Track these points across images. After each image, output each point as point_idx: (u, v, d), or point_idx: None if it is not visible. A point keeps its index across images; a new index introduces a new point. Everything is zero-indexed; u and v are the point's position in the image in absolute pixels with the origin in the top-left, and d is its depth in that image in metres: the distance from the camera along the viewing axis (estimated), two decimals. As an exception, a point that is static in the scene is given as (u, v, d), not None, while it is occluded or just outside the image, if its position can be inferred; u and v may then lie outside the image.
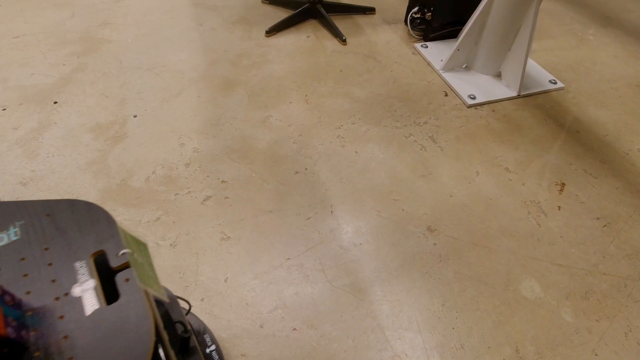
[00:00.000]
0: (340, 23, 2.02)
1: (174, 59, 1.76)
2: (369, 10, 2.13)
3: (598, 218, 1.25)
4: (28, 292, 0.44)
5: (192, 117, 1.50)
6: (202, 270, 1.08)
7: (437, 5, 1.80)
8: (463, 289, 1.07)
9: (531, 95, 1.68)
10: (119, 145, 1.39)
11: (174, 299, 0.69)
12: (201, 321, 0.88)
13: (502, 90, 1.68)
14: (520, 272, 1.11)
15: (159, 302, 0.65)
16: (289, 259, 1.11)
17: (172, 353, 0.54)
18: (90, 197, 1.24)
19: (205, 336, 0.82)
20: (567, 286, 1.09)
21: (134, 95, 1.58)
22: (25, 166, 1.30)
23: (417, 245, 1.15)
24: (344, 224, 1.20)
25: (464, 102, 1.62)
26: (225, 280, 1.06)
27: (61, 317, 0.42)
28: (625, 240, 1.19)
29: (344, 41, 1.90)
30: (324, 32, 1.97)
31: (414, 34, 1.95)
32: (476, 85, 1.68)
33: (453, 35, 1.92)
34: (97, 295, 0.44)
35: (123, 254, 0.47)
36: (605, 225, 1.23)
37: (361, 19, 2.08)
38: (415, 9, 1.86)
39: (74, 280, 0.45)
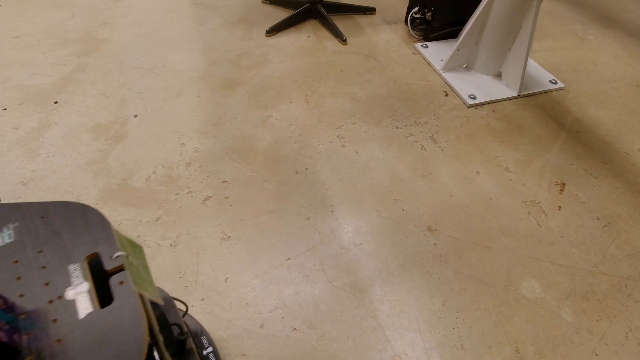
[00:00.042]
0: (341, 23, 2.02)
1: (175, 59, 1.76)
2: (369, 10, 2.12)
3: (598, 218, 1.24)
4: (21, 295, 0.44)
5: (192, 117, 1.50)
6: (203, 270, 1.08)
7: (438, 5, 1.80)
8: (463, 289, 1.07)
9: (531, 95, 1.67)
10: (119, 145, 1.39)
11: (170, 300, 0.69)
12: (199, 323, 0.88)
13: (502, 90, 1.67)
14: (521, 272, 1.11)
15: (155, 305, 0.65)
16: (289, 258, 1.11)
17: (167, 355, 0.53)
18: (91, 196, 1.24)
19: (202, 338, 0.82)
20: (568, 286, 1.08)
21: (135, 95, 1.58)
22: (25, 166, 1.30)
23: (417, 245, 1.15)
24: (344, 224, 1.19)
25: (465, 102, 1.61)
26: (226, 280, 1.06)
27: (54, 320, 0.42)
28: (625, 240, 1.19)
29: (344, 41, 1.90)
30: (325, 32, 1.97)
31: (414, 34, 1.95)
32: (476, 85, 1.68)
33: (453, 35, 1.92)
34: (91, 299, 0.44)
35: (117, 256, 0.47)
36: (605, 225, 1.22)
37: (361, 19, 2.08)
38: (416, 9, 1.86)
39: (68, 283, 0.45)
